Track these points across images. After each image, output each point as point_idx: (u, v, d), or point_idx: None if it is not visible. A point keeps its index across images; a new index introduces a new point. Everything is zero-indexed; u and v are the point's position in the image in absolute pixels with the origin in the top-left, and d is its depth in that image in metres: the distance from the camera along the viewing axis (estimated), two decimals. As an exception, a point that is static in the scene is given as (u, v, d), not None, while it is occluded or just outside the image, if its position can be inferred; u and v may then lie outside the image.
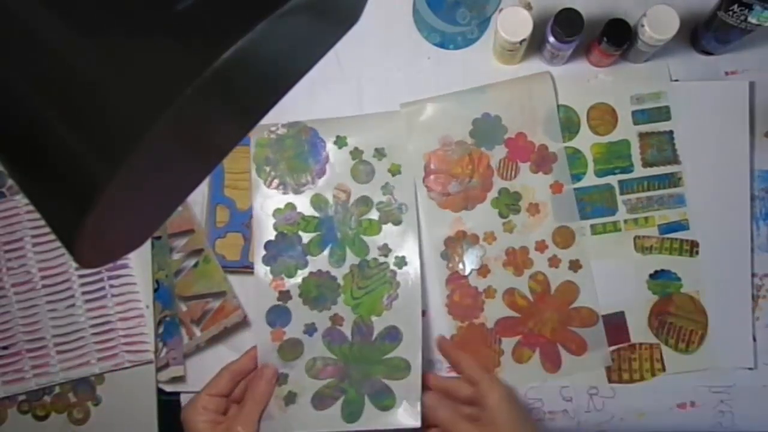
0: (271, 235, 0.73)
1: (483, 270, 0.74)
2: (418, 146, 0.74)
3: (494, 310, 0.73)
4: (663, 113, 0.74)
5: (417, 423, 0.69)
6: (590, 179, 0.74)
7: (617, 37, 0.68)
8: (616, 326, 0.73)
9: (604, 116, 0.74)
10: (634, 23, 0.69)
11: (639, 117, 0.74)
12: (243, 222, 0.74)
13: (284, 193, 0.74)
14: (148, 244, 0.73)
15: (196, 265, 0.73)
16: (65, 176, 0.23)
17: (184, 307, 0.73)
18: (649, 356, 0.72)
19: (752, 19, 0.64)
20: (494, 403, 0.65)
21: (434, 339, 0.73)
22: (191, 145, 0.28)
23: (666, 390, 0.72)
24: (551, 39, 0.68)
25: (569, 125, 0.74)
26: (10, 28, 0.23)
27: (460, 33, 0.76)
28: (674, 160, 0.74)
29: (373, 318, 0.72)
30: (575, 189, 0.74)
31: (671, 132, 0.74)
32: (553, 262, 0.73)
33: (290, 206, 0.74)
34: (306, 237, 0.73)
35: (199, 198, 0.74)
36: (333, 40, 0.33)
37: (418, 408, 0.69)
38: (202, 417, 0.66)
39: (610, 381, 0.72)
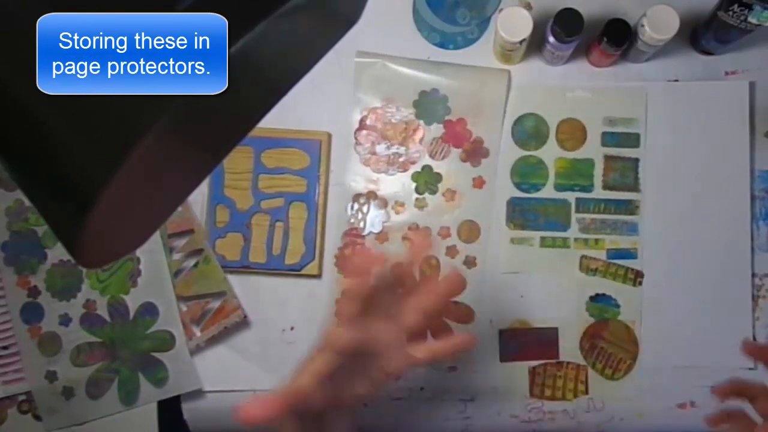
0: (6, 236, 0.74)
1: (382, 236, 0.74)
2: (361, 98, 0.74)
3: None
4: (632, 140, 0.73)
5: (192, 387, 0.71)
6: (548, 191, 0.74)
7: (617, 37, 0.68)
8: (547, 341, 0.72)
9: (573, 132, 0.74)
10: (634, 23, 0.69)
11: (608, 139, 0.74)
12: (243, 222, 0.74)
13: (10, 190, 0.74)
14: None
15: (196, 265, 0.73)
16: (65, 176, 0.23)
17: (184, 307, 0.73)
18: (574, 376, 0.72)
19: (752, 19, 0.64)
20: None
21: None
22: (191, 145, 0.28)
23: (666, 390, 0.72)
24: (551, 39, 0.68)
25: (537, 135, 0.74)
26: (11, 29, 0.23)
27: (460, 33, 0.76)
28: (635, 188, 0.73)
29: (124, 297, 0.72)
30: (532, 198, 0.73)
31: (637, 160, 0.73)
32: (451, 252, 0.73)
33: (18, 202, 0.74)
34: (41, 230, 0.74)
35: (199, 198, 0.74)
36: (333, 40, 0.33)
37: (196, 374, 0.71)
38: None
39: (531, 395, 0.72)
